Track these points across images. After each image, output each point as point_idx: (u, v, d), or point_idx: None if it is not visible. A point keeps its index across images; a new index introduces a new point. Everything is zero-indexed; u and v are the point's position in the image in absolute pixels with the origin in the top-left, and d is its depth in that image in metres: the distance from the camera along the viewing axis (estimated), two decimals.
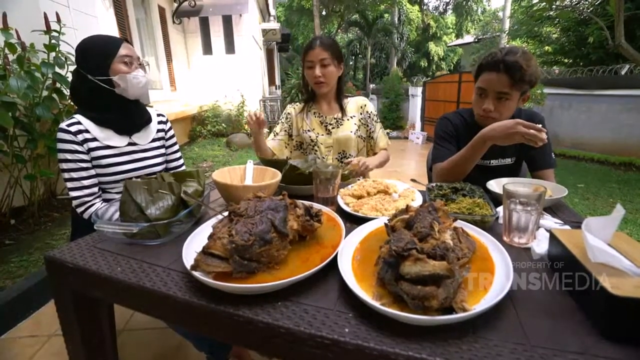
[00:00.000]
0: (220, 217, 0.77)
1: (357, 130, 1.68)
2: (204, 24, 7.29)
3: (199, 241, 0.75)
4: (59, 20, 2.33)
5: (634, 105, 5.34)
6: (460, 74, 7.54)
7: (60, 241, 2.27)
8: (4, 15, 2.07)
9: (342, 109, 1.68)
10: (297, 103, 1.75)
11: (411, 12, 18.89)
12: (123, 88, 1.22)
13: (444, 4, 22.43)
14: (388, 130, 9.67)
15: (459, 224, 0.80)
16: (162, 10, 6.22)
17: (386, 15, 17.82)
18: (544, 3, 3.76)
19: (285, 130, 1.73)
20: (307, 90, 1.70)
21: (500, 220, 0.91)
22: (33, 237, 2.31)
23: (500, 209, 0.95)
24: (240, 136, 6.37)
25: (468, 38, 20.11)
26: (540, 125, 1.06)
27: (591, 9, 6.47)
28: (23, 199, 2.52)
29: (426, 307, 0.52)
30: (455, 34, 21.49)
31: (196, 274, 0.63)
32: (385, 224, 0.73)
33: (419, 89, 9.13)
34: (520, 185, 0.86)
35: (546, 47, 9.31)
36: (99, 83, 1.19)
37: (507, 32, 12.75)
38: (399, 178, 1.37)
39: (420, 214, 0.66)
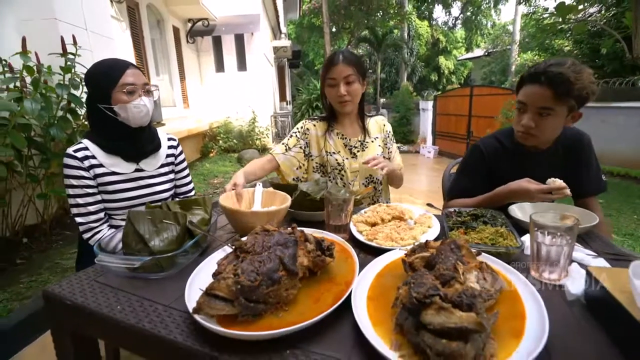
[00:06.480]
0: (227, 248, 0.73)
1: (381, 153, 1.54)
2: (217, 43, 7.48)
3: (204, 277, 0.71)
4: (75, 43, 2.39)
5: None
6: (472, 88, 7.50)
7: (70, 260, 2.26)
8: (24, 40, 2.14)
9: (365, 130, 1.55)
10: (317, 120, 1.56)
11: (420, 27, 19.04)
12: (124, 117, 1.17)
13: (453, 19, 22.60)
14: (399, 145, 9.64)
15: (482, 257, 0.74)
16: (176, 31, 6.41)
17: (395, 31, 17.98)
18: (556, 17, 3.72)
19: (301, 147, 1.53)
20: (327, 109, 1.53)
21: (527, 251, 0.84)
22: (44, 256, 2.31)
23: (525, 238, 0.88)
24: (251, 152, 6.40)
25: (478, 52, 20.10)
26: (561, 181, 1.01)
27: (604, 21, 6.38)
28: (36, 217, 2.54)
29: None
30: (465, 48, 21.52)
31: (198, 317, 0.58)
32: (403, 261, 0.67)
33: (430, 103, 9.10)
34: (548, 215, 0.80)
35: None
36: (104, 110, 1.16)
37: (517, 44, 12.68)
38: (411, 194, 1.32)
39: (442, 253, 0.60)
